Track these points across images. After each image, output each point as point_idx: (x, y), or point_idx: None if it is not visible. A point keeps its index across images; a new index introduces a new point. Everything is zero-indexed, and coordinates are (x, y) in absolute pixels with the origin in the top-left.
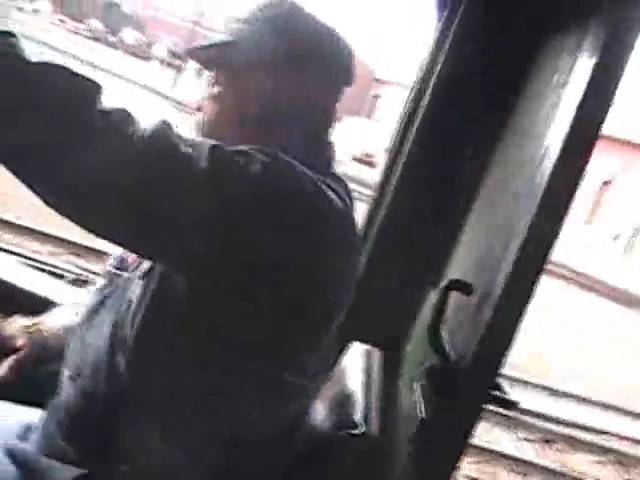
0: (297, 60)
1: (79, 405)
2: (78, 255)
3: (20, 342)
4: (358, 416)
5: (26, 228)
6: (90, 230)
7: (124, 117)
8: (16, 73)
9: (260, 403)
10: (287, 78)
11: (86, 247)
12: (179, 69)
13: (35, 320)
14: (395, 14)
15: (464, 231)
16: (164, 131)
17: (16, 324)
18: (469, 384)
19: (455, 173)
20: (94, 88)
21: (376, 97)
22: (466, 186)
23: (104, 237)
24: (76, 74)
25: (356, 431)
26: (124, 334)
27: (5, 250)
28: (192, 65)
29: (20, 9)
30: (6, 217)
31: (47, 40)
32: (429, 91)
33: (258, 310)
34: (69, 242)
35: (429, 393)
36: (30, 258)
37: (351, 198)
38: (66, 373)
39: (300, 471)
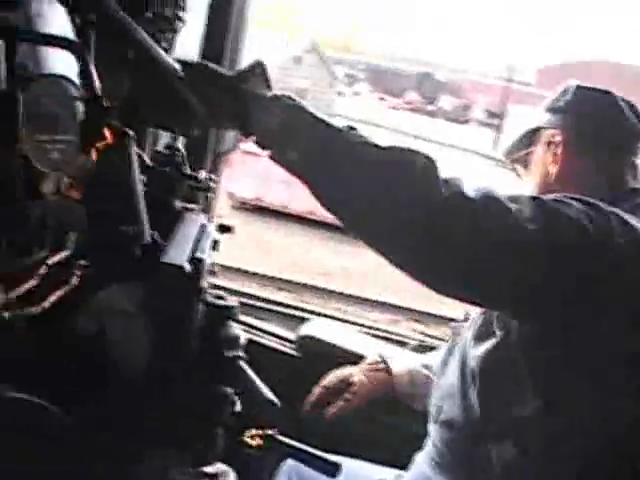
0: (597, 140)
1: (443, 440)
2: (418, 321)
3: (356, 378)
4: None
5: (366, 299)
6: (445, 293)
7: (459, 183)
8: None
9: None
10: (596, 157)
11: (425, 313)
12: (498, 128)
13: (380, 360)
14: None
15: None
16: (492, 191)
17: (368, 366)
18: None
19: None
20: (434, 162)
21: None
22: None
23: (457, 298)
24: (420, 153)
25: None
26: (471, 368)
27: (347, 321)
28: (510, 124)
29: (340, 93)
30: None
31: (372, 119)
32: None
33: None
34: (407, 309)
35: None
36: (371, 327)
37: None
38: (431, 423)
39: None
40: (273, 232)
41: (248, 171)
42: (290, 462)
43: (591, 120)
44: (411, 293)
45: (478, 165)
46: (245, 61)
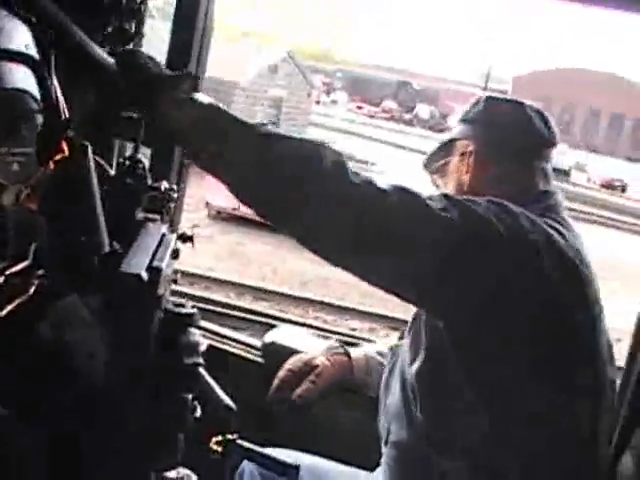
0: (505, 148)
1: (394, 461)
2: (396, 329)
3: (319, 361)
4: None
5: (345, 308)
6: (365, 279)
7: (371, 178)
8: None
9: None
10: (506, 164)
11: (404, 321)
12: None
13: (340, 345)
14: None
15: None
16: (405, 186)
17: (328, 350)
18: None
19: None
20: (343, 158)
21: None
22: None
23: (375, 285)
24: (330, 149)
25: None
26: (410, 386)
27: (325, 329)
28: None
29: (318, 102)
30: (327, 300)
31: (348, 127)
32: None
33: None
34: (386, 317)
35: None
36: (350, 335)
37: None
38: (382, 444)
39: None
40: (250, 242)
41: None
42: (250, 467)
43: (499, 129)
44: (391, 302)
45: None
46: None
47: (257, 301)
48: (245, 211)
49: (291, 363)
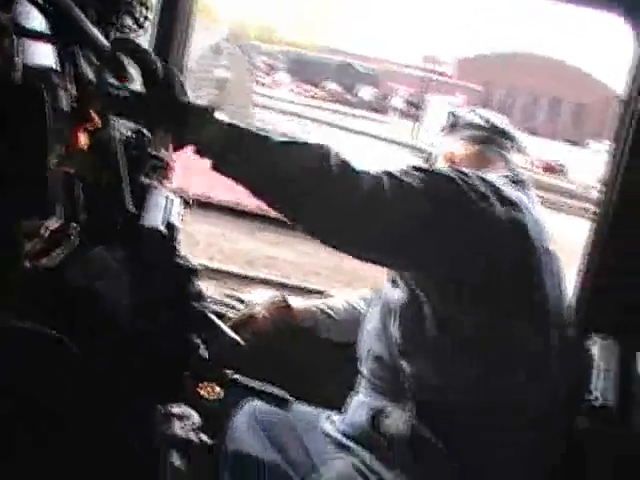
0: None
1: (374, 371)
2: None
3: (259, 312)
4: (598, 392)
5: (290, 285)
6: (350, 254)
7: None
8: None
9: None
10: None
11: None
12: (417, 118)
13: (282, 295)
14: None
15: None
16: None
17: (261, 295)
18: None
19: None
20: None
21: None
22: None
23: (360, 259)
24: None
25: (596, 402)
26: (392, 309)
27: None
28: (430, 114)
29: (262, 84)
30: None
31: (290, 109)
32: (632, 110)
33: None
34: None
35: None
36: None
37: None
38: (363, 364)
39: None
40: (198, 223)
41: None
42: (250, 403)
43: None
44: (335, 280)
45: (398, 154)
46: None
47: (204, 280)
48: (195, 192)
49: (236, 318)
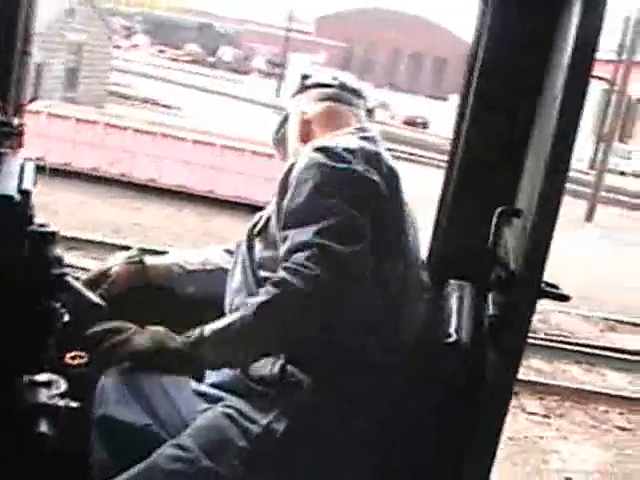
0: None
1: None
2: None
3: (112, 270)
4: (452, 329)
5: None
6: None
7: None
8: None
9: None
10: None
11: None
12: (280, 76)
13: (137, 253)
14: None
15: (524, 170)
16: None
17: (120, 255)
18: (524, 284)
19: (512, 121)
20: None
21: None
22: (521, 133)
23: None
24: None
25: (450, 340)
26: (257, 266)
27: None
28: (291, 73)
29: (118, 47)
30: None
31: (150, 72)
32: (478, 65)
33: None
34: None
35: (498, 296)
36: None
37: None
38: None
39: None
40: (57, 191)
41: None
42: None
43: (315, 93)
44: (203, 241)
45: (261, 114)
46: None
47: (70, 251)
48: (53, 161)
49: (89, 274)
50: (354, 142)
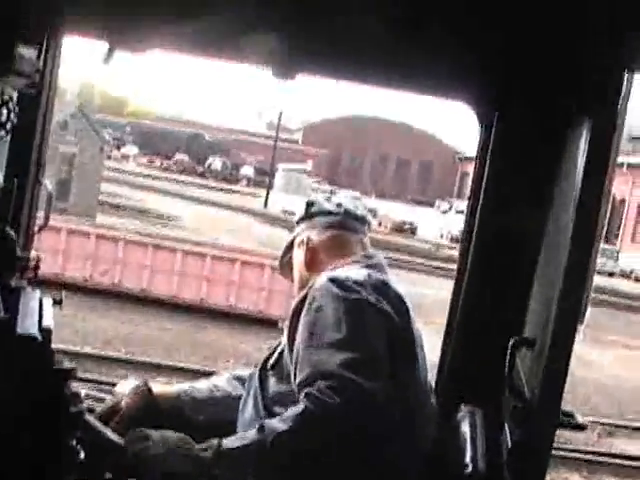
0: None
1: None
2: None
3: (122, 403)
4: (468, 459)
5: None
6: None
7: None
8: None
9: None
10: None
11: None
12: (267, 185)
13: (144, 382)
14: None
15: (531, 297)
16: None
17: (127, 385)
18: (542, 415)
19: (520, 246)
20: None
21: (466, 175)
22: (528, 260)
23: None
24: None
25: (467, 470)
26: (270, 399)
27: None
28: (278, 180)
29: (109, 157)
30: None
31: (141, 181)
32: (484, 186)
33: None
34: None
35: (514, 426)
36: None
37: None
38: None
39: None
40: None
41: None
42: None
43: (321, 221)
44: (196, 354)
45: (251, 222)
46: None
47: None
48: (45, 272)
49: (101, 409)
50: (362, 273)
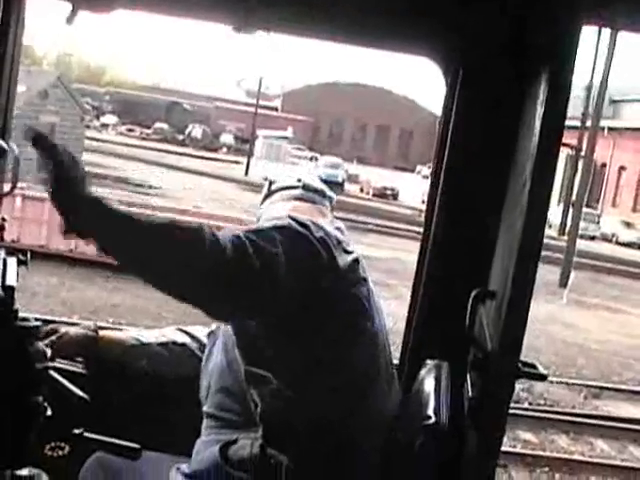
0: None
1: (219, 404)
2: None
3: (64, 329)
4: (430, 411)
5: None
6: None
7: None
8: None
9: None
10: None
11: None
12: (247, 153)
13: (93, 326)
14: None
15: (495, 251)
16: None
17: (78, 327)
18: (501, 366)
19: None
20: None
21: None
22: (492, 215)
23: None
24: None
25: (429, 422)
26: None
27: None
28: (259, 148)
29: (88, 126)
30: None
31: (121, 150)
32: (449, 143)
33: None
34: None
35: (476, 377)
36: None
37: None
38: (205, 401)
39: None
40: (34, 274)
41: None
42: (96, 455)
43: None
44: (183, 322)
45: (232, 190)
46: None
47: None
48: (29, 243)
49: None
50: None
